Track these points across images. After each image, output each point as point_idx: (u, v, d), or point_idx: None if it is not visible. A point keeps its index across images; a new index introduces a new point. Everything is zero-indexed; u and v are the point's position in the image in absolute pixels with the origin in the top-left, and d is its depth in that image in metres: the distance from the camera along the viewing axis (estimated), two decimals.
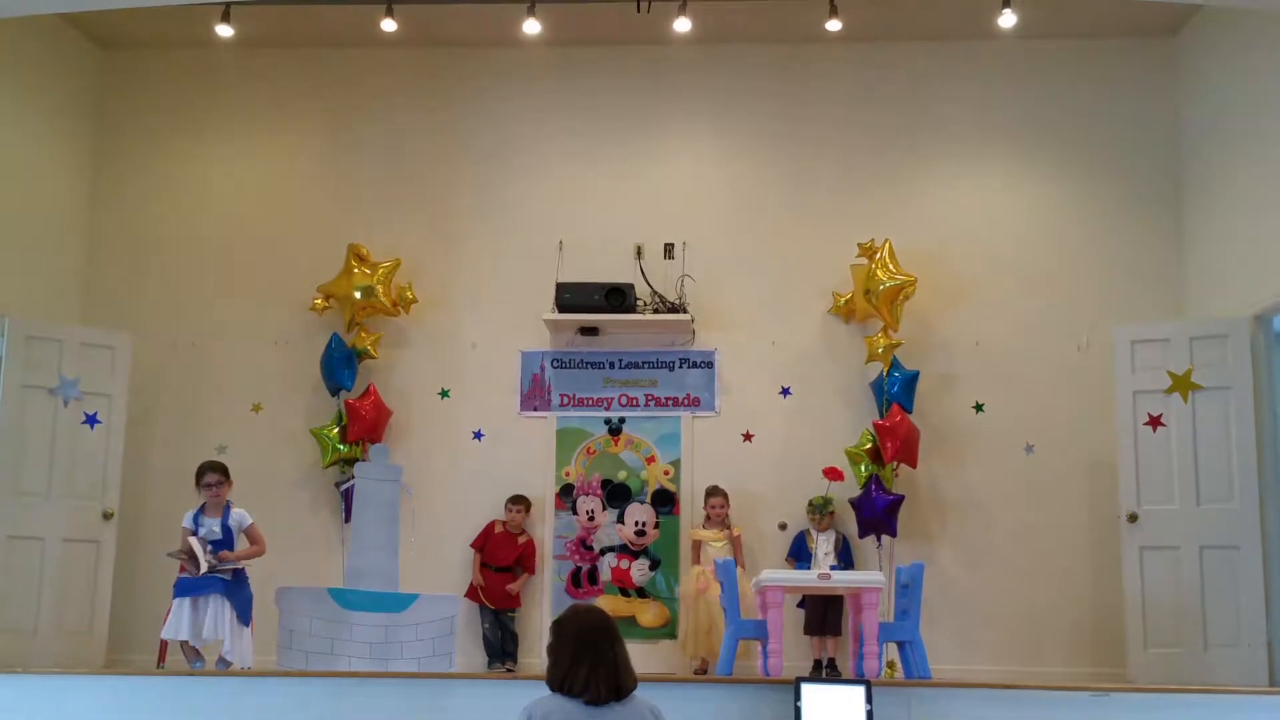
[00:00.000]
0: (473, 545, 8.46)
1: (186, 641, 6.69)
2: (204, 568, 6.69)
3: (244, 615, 6.77)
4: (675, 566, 8.50)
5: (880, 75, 9.03)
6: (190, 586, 6.71)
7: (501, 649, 8.26)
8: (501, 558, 8.41)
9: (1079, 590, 8.34)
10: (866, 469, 8.36)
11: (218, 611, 6.69)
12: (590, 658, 4.25)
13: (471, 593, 8.31)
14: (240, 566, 6.83)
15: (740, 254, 8.89)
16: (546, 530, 8.63)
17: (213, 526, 6.84)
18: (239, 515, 6.94)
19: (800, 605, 8.11)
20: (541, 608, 8.53)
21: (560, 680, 4.27)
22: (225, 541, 6.84)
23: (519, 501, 8.47)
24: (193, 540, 6.76)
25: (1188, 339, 7.93)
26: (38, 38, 8.56)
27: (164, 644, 7.09)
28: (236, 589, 6.77)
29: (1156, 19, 8.68)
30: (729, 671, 6.68)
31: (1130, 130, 8.85)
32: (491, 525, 8.50)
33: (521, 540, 8.47)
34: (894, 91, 9.01)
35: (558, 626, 4.41)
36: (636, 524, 8.43)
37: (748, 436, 8.70)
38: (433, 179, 9.09)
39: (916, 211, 8.83)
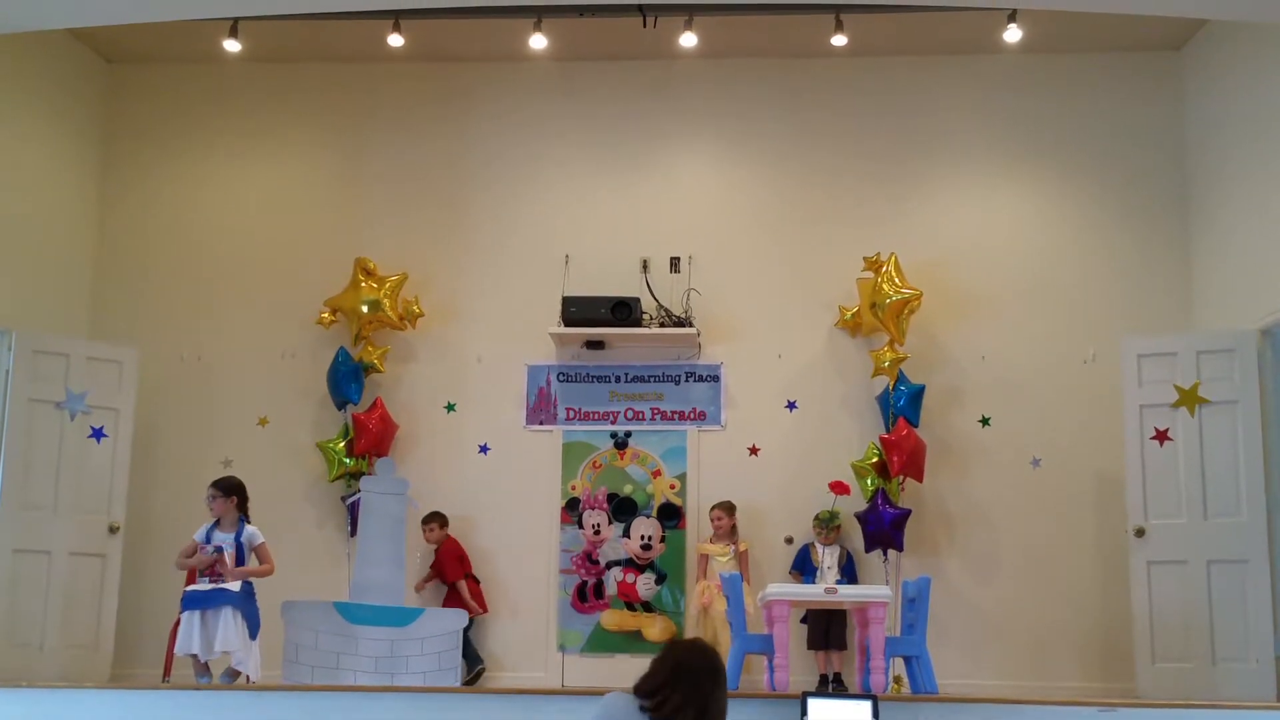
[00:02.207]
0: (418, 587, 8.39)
1: (196, 656, 6.68)
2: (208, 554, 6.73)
3: (252, 629, 6.77)
4: (681, 580, 8.49)
5: (886, 89, 9.04)
6: (199, 600, 6.71)
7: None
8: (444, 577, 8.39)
9: (1086, 605, 8.32)
10: (873, 483, 8.36)
11: (228, 624, 6.67)
12: (686, 689, 4.23)
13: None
14: (245, 580, 6.83)
15: (746, 268, 8.89)
16: (552, 544, 8.63)
17: (224, 541, 6.86)
18: (251, 532, 6.95)
19: (803, 620, 8.10)
20: (548, 620, 8.52)
21: (649, 692, 4.24)
22: (236, 557, 6.86)
23: (430, 520, 8.36)
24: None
25: (1195, 353, 7.90)
26: (45, 52, 8.59)
27: (170, 658, 7.07)
28: (245, 602, 6.77)
29: (1162, 33, 8.68)
30: (735, 686, 6.63)
31: (1136, 144, 8.84)
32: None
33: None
34: (900, 106, 9.02)
35: (670, 648, 4.44)
36: (642, 538, 8.42)
37: (754, 450, 8.69)
38: (439, 193, 9.10)
39: (922, 225, 8.83)
